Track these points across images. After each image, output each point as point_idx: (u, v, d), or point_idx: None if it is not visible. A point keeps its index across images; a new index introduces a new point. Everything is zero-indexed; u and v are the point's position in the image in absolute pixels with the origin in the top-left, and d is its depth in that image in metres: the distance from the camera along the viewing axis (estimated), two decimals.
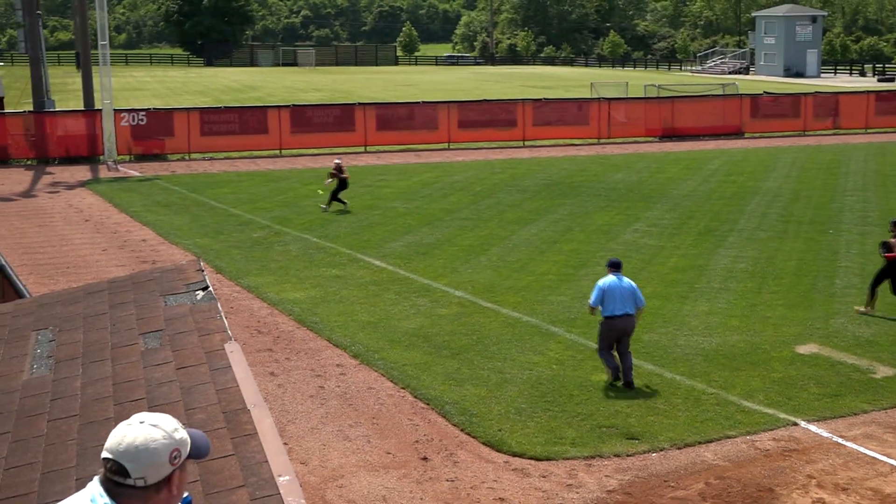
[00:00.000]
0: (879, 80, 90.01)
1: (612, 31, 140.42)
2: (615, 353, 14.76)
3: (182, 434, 3.46)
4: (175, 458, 3.41)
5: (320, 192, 30.15)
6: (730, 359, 15.98)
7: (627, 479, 11.77)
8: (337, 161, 29.91)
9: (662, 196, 32.20)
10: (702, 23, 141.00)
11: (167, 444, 3.39)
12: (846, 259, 23.14)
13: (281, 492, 4.57)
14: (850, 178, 36.53)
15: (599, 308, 14.71)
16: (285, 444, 12.07)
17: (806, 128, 52.16)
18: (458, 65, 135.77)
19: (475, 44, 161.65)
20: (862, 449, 12.61)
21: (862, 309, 18.57)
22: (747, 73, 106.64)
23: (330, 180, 29.41)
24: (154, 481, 3.37)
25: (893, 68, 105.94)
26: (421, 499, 11.23)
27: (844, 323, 17.99)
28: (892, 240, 18.41)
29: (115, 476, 3.36)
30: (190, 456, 3.49)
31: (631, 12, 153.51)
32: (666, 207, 30.05)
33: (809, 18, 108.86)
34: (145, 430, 3.39)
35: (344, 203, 29.55)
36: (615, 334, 14.63)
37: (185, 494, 3.63)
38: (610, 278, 14.69)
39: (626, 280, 14.81)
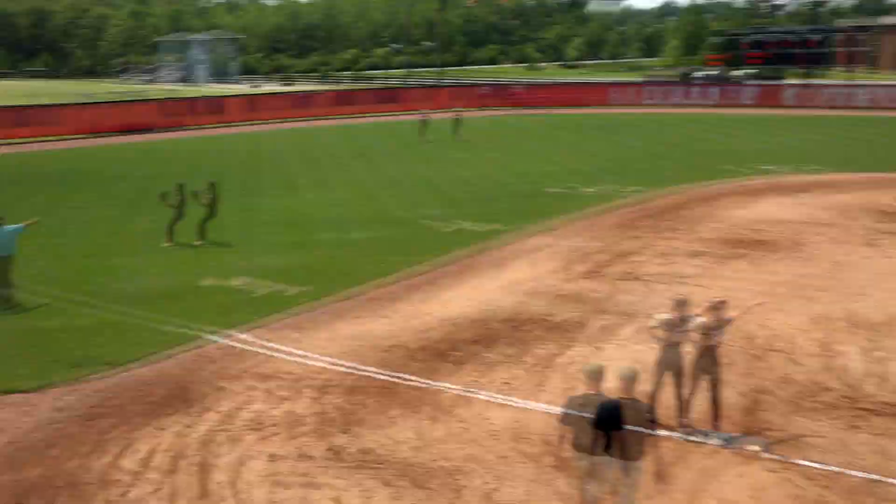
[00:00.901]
0: (252, 87, 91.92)
1: (76, 50, 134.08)
2: None
3: None
4: None
5: None
6: (177, 295, 16.81)
7: (102, 396, 12.10)
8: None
9: (119, 179, 31.76)
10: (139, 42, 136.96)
11: None
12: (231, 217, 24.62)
13: None
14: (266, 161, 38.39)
15: None
16: None
17: (196, 123, 52.77)
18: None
19: None
20: (279, 346, 13.97)
21: (167, 244, 20.68)
22: (184, 82, 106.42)
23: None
24: None
25: (299, 77, 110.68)
26: None
27: (266, 260, 19.55)
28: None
29: None
30: None
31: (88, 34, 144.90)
32: (125, 185, 29.82)
33: (229, 40, 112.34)
34: None
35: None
36: None
37: None
38: None
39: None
